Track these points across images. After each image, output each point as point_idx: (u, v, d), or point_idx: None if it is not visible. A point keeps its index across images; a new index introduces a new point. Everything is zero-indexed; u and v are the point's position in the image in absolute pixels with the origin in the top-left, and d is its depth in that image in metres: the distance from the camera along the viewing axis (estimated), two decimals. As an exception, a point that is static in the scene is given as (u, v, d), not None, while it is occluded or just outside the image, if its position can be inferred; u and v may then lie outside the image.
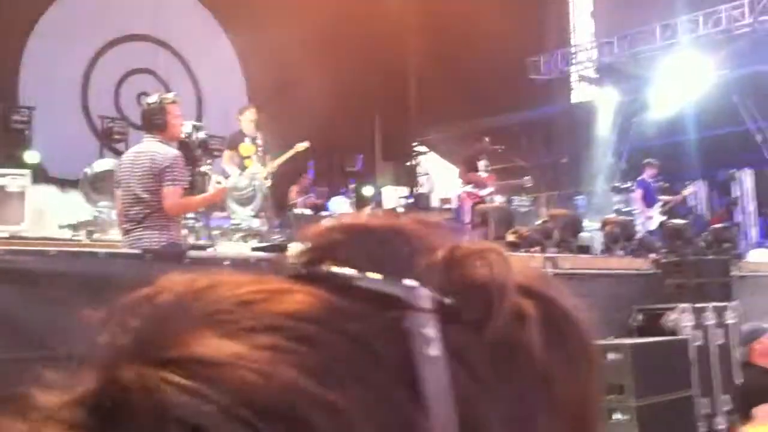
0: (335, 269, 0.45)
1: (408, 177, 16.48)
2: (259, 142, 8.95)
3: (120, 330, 0.42)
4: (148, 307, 0.43)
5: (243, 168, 8.94)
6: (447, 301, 0.43)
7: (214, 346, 0.40)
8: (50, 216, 6.46)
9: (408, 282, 0.43)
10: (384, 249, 0.46)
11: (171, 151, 5.36)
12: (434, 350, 0.41)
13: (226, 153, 9.11)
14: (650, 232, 11.07)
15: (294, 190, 11.53)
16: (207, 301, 0.43)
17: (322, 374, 0.39)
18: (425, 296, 0.43)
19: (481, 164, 11.22)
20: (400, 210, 12.33)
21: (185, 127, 5.98)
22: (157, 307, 0.43)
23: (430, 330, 0.42)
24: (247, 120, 9.03)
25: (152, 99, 5.73)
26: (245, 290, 0.43)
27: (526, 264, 0.53)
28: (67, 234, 6.03)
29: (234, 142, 9.05)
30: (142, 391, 0.38)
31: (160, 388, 0.38)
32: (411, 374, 0.41)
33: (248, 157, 9.02)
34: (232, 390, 0.38)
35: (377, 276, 0.44)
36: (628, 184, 12.70)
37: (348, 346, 0.41)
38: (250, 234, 7.32)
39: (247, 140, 8.97)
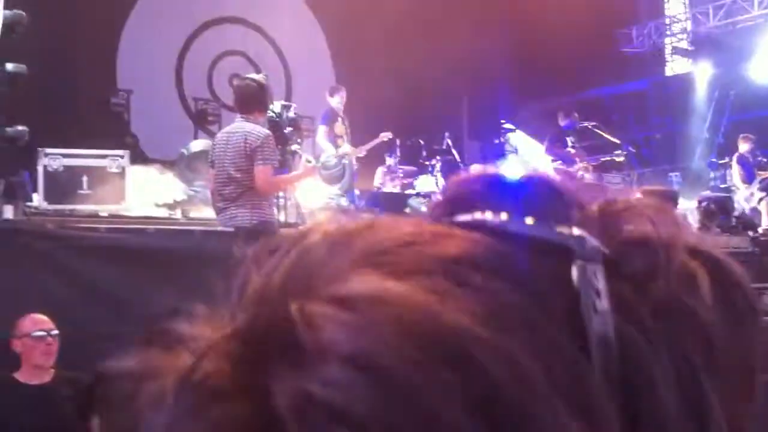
0: (497, 216, 0.43)
1: (494, 155, 16.33)
2: (347, 123, 9.12)
3: (278, 268, 0.41)
4: (305, 246, 0.42)
5: (337, 146, 9.11)
6: (613, 254, 0.42)
7: (378, 284, 0.39)
8: (148, 195, 6.70)
9: (576, 230, 0.42)
10: (532, 199, 0.45)
11: (262, 131, 5.47)
12: (603, 303, 0.40)
13: (321, 128, 9.27)
14: (749, 209, 10.73)
15: (381, 170, 11.61)
16: (368, 240, 0.41)
17: (491, 319, 0.38)
18: (594, 247, 0.42)
19: (570, 140, 11.05)
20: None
21: (275, 107, 6.09)
22: (316, 246, 0.42)
23: (600, 282, 0.41)
24: (338, 101, 9.20)
25: (243, 80, 5.86)
26: (406, 231, 0.42)
27: (689, 223, 0.52)
28: (164, 213, 6.25)
29: (329, 119, 9.23)
30: (305, 326, 0.37)
31: (325, 324, 0.37)
32: (579, 325, 0.40)
33: (341, 136, 9.19)
34: (399, 330, 0.37)
35: (541, 223, 0.43)
36: (725, 160, 12.29)
37: (515, 294, 0.39)
38: (339, 213, 7.42)
39: (339, 120, 9.16)
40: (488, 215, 0.43)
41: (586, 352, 0.39)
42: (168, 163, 7.66)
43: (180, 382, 0.37)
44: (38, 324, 4.44)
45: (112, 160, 6.64)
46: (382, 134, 9.81)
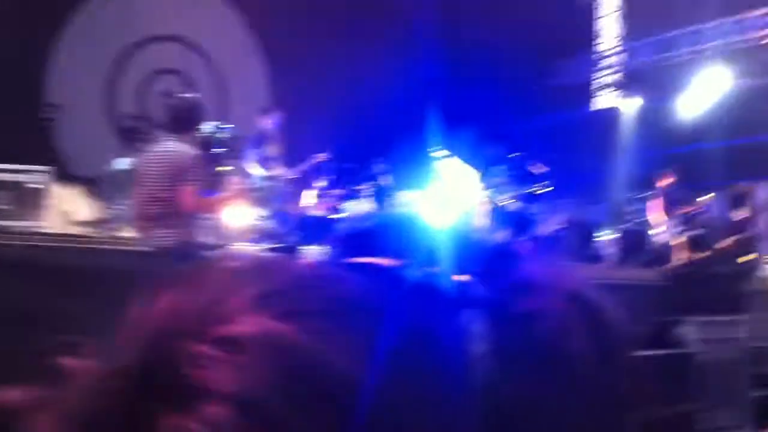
0: (388, 261, 0.48)
1: (426, 179, 16.49)
2: (280, 146, 9.16)
3: (170, 307, 0.44)
4: (199, 286, 0.44)
5: (268, 168, 9.13)
6: (499, 298, 0.47)
7: (263, 326, 0.41)
8: (70, 213, 6.60)
9: (462, 277, 0.47)
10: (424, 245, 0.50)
11: (191, 151, 5.46)
12: (481, 345, 0.44)
13: (252, 150, 9.28)
14: (665, 243, 11.06)
15: (310, 192, 11.64)
16: (259, 282, 0.44)
17: (368, 360, 0.40)
18: (478, 291, 0.46)
19: (498, 169, 11.27)
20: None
21: (207, 127, 6.09)
22: (209, 286, 0.44)
23: (481, 324, 0.45)
24: (270, 123, 9.24)
25: (174, 99, 5.85)
26: (295, 274, 0.45)
27: (573, 269, 0.58)
28: (85, 231, 6.17)
29: (261, 141, 9.24)
30: (192, 366, 0.40)
31: (210, 365, 0.39)
32: (463, 365, 0.43)
33: (273, 158, 9.22)
34: (280, 370, 0.40)
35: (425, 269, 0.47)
36: (646, 194, 12.67)
37: (396, 335, 0.42)
38: (265, 235, 7.42)
39: (270, 142, 9.20)
40: (379, 261, 0.48)
41: (469, 392, 0.43)
42: (92, 181, 7.57)
43: (64, 418, 0.40)
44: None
45: (34, 175, 6.55)
46: (316, 155, 9.86)
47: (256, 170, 9.11)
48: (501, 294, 0.49)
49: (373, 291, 0.45)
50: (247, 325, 0.42)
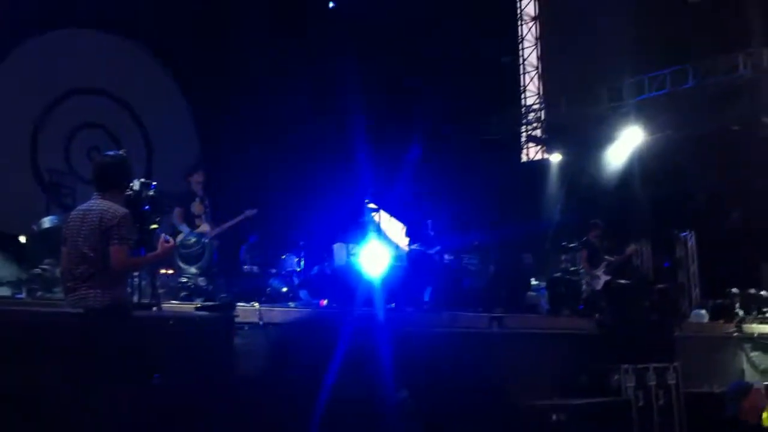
0: None
1: (359, 233, 16.50)
2: (207, 203, 9.08)
3: None
4: None
5: (194, 226, 9.00)
6: None
7: None
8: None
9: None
10: None
11: (119, 209, 5.33)
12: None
13: (177, 210, 9.16)
14: (596, 292, 11.23)
15: (243, 248, 11.52)
16: None
17: None
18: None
19: (429, 222, 11.34)
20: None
21: (134, 185, 5.97)
22: None
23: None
24: (196, 181, 9.17)
25: (103, 157, 5.73)
26: None
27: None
28: (8, 292, 5.94)
29: (185, 199, 9.13)
30: None
31: None
32: None
33: (198, 216, 9.10)
34: None
35: None
36: (574, 244, 12.90)
37: None
38: (195, 292, 7.28)
39: (197, 199, 9.09)
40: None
41: None
42: (16, 238, 7.32)
43: None
44: None
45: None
46: (247, 211, 9.79)
47: (181, 228, 8.97)
48: None
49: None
50: None
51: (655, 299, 11.00)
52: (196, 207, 9.13)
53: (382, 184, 17.11)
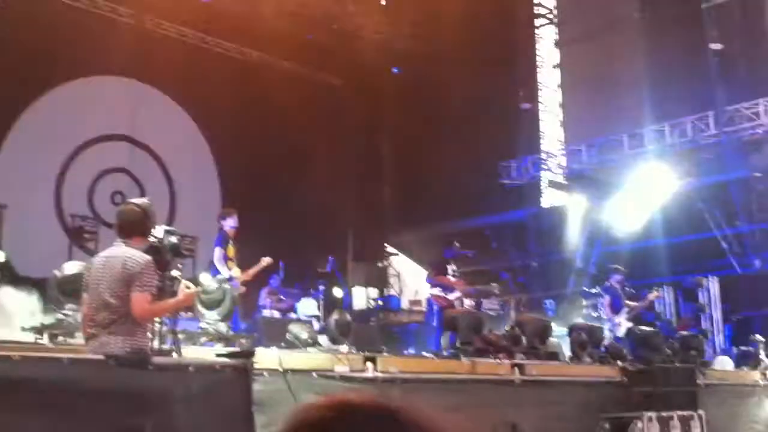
0: None
1: (378, 278, 16.52)
2: (236, 246, 9.15)
3: None
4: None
5: (228, 269, 9.07)
6: None
7: None
8: (14, 318, 6.41)
9: None
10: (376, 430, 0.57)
11: (142, 257, 5.36)
12: None
13: (217, 250, 9.24)
14: (618, 339, 11.12)
15: (264, 292, 11.54)
16: None
17: None
18: None
19: (451, 268, 11.30)
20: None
21: (157, 232, 6.02)
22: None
23: None
24: (231, 224, 9.23)
25: (127, 205, 5.79)
26: None
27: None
28: (30, 337, 5.98)
29: (223, 242, 9.21)
30: None
31: None
32: None
33: (232, 259, 9.17)
34: None
35: None
36: (596, 290, 12.82)
37: None
38: (216, 338, 7.29)
39: (230, 242, 9.17)
40: None
41: None
42: (39, 283, 7.39)
43: None
44: None
45: (-20, 280, 6.37)
46: (263, 259, 9.83)
47: (222, 271, 9.03)
48: None
49: None
50: None
51: (678, 346, 10.85)
52: (230, 250, 9.21)
53: (402, 228, 17.17)
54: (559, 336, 11.01)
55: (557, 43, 19.14)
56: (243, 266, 9.59)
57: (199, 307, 8.08)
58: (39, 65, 12.15)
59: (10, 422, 4.50)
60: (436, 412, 0.63)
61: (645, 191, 15.94)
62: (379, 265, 17.03)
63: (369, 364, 7.16)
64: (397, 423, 0.59)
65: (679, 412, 8.52)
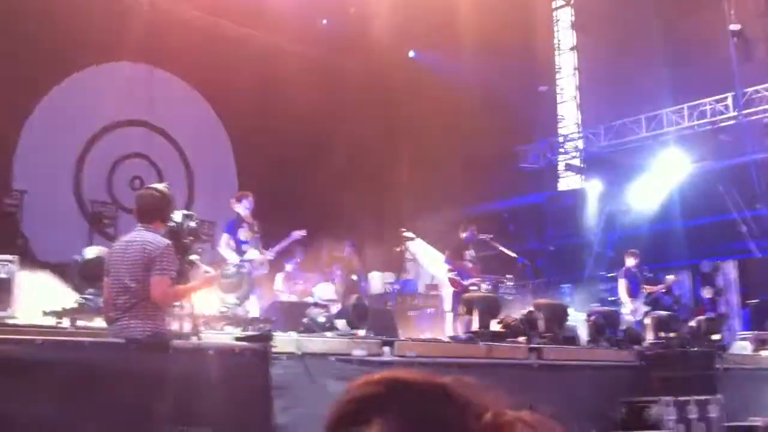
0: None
1: (395, 263, 16.51)
2: (256, 228, 9.14)
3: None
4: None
5: (241, 253, 9.08)
6: None
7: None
8: (36, 302, 6.48)
9: None
10: (432, 409, 0.60)
11: (162, 241, 5.43)
12: None
13: (224, 236, 9.25)
14: (635, 323, 11.10)
15: (280, 276, 11.59)
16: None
17: None
18: None
19: (468, 253, 11.31)
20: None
21: (176, 216, 6.07)
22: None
23: None
24: (245, 207, 9.24)
25: (147, 190, 5.84)
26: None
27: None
28: (52, 321, 6.05)
29: (234, 227, 9.21)
30: None
31: None
32: None
33: (246, 242, 9.18)
34: None
35: None
36: (613, 273, 12.79)
37: None
38: (234, 322, 7.33)
39: (245, 225, 9.16)
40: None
41: None
42: (59, 267, 7.47)
43: None
44: None
45: (1, 265, 6.44)
46: (295, 232, 9.82)
47: (228, 256, 9.06)
48: None
49: None
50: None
51: (696, 330, 10.82)
52: (244, 234, 9.21)
53: (419, 213, 17.17)
54: (577, 320, 10.99)
55: (573, 25, 19.00)
56: (266, 247, 9.59)
57: (218, 291, 8.13)
58: (57, 52, 12.22)
59: (31, 404, 4.57)
60: (483, 387, 0.67)
61: (663, 174, 15.85)
62: (396, 249, 17.01)
63: (386, 348, 7.20)
64: (448, 398, 0.63)
65: (697, 397, 8.50)
